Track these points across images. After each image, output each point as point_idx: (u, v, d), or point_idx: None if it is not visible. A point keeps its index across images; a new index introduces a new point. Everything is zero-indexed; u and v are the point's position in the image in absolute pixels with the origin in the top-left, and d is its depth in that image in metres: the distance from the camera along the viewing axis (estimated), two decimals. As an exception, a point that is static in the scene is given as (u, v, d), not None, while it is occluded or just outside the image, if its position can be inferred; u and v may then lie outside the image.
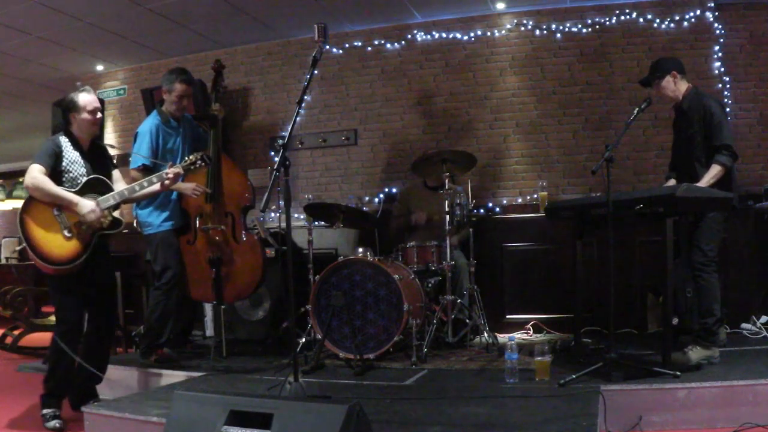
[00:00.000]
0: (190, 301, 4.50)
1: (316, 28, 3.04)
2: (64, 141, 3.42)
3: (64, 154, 3.38)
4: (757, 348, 3.94)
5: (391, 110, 5.89)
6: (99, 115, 3.51)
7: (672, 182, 3.90)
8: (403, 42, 5.83)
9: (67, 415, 3.46)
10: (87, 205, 3.35)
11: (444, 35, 5.73)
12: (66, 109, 3.47)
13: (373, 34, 5.91)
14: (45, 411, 3.38)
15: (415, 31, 5.79)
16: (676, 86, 3.72)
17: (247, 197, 4.31)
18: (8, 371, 5.09)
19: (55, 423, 3.32)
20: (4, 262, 7.32)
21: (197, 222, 4.25)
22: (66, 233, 3.33)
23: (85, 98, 3.44)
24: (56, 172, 3.35)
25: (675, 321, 4.04)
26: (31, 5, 4.96)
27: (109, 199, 3.43)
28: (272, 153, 6.06)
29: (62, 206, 3.33)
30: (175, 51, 6.31)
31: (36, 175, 3.28)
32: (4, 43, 5.75)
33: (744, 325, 4.52)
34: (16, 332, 6.01)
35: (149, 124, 4.20)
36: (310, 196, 5.27)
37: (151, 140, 4.12)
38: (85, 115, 3.43)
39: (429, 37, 5.77)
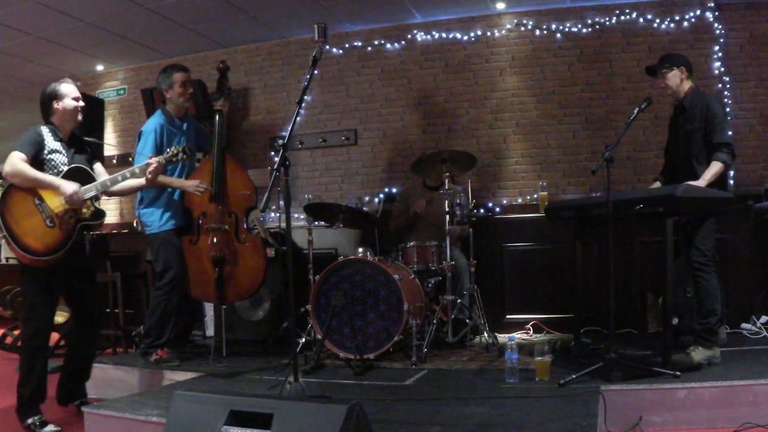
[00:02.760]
0: (191, 301, 4.49)
1: (316, 28, 3.04)
2: (45, 131, 3.38)
3: (45, 143, 3.34)
4: (757, 348, 3.94)
5: (391, 110, 5.89)
6: (82, 103, 3.49)
7: (657, 184, 3.91)
8: (403, 42, 5.83)
9: (59, 416, 3.38)
10: (70, 186, 3.28)
11: (444, 35, 5.73)
12: (48, 98, 3.41)
13: (373, 34, 5.91)
14: (30, 420, 3.22)
15: (415, 31, 5.79)
16: (681, 83, 3.72)
17: (251, 198, 4.30)
18: (8, 371, 5.08)
19: (51, 427, 3.21)
20: (4, 262, 7.31)
21: (200, 221, 4.25)
22: (48, 223, 3.26)
23: (68, 86, 3.44)
24: (38, 161, 3.29)
25: (675, 321, 4.04)
26: (31, 5, 4.96)
27: (91, 189, 3.38)
28: (272, 153, 6.07)
29: (43, 196, 3.26)
30: (175, 51, 6.30)
31: (16, 162, 3.22)
32: (4, 43, 5.75)
33: (744, 325, 4.52)
34: (16, 332, 6.01)
35: (153, 123, 4.19)
36: (310, 196, 5.26)
37: (156, 139, 4.10)
38: (69, 102, 3.41)
39: (429, 37, 5.77)
